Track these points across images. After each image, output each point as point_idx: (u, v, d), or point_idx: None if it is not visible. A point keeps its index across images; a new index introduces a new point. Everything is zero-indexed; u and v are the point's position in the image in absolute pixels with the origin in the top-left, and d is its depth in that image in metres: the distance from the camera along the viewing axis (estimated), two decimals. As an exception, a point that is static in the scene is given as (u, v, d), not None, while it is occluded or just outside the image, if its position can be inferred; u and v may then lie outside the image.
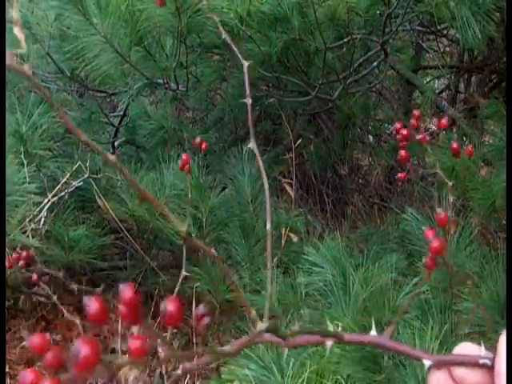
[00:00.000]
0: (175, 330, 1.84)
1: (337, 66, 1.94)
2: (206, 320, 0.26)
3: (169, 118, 2.06)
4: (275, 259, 1.59)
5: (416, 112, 0.80)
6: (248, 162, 1.81)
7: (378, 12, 1.68)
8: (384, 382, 1.04)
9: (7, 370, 1.94)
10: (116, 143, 2.31)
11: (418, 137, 0.75)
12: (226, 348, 0.26)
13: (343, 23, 1.57)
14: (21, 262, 0.89)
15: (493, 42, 2.13)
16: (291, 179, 2.10)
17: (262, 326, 0.26)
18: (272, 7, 1.46)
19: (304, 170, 2.74)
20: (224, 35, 0.63)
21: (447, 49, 3.05)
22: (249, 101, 0.50)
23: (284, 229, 1.60)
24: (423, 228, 1.30)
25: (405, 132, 0.80)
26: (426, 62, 3.02)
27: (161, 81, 1.73)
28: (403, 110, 2.75)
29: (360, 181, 3.02)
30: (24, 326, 2.19)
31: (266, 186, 0.44)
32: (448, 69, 2.77)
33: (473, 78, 2.81)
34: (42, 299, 2.15)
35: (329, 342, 0.27)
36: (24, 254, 0.91)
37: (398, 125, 0.82)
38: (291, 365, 0.93)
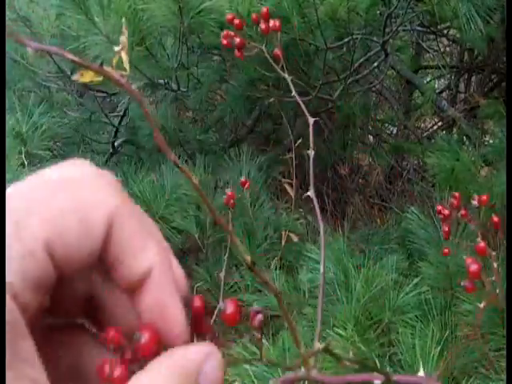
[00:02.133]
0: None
1: (337, 66, 1.94)
2: (260, 317, 0.26)
3: (169, 119, 2.06)
4: (275, 259, 1.60)
5: (456, 194, 0.80)
6: (247, 164, 1.82)
7: (378, 12, 1.68)
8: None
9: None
10: (116, 143, 2.31)
11: (460, 213, 0.76)
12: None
13: (344, 23, 1.57)
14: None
15: (493, 41, 2.14)
16: (291, 179, 2.10)
17: (318, 345, 0.27)
18: (272, 7, 1.46)
19: (304, 170, 2.74)
20: (286, 77, 0.63)
21: (447, 49, 3.05)
22: (311, 153, 0.51)
23: (284, 231, 1.60)
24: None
25: (446, 212, 0.81)
26: (426, 61, 3.03)
27: (161, 81, 1.73)
28: (403, 110, 2.75)
29: (360, 181, 3.02)
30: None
31: (322, 231, 0.43)
32: (448, 69, 2.77)
33: (473, 78, 2.81)
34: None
35: (377, 381, 0.27)
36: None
37: (439, 207, 0.82)
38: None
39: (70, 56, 0.23)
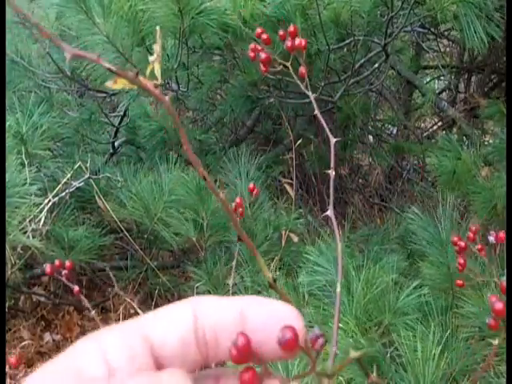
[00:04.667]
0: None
1: (338, 67, 1.94)
2: (322, 341, 0.27)
3: (169, 119, 2.06)
4: (275, 260, 1.59)
5: (474, 226, 0.80)
6: (247, 164, 1.81)
7: (379, 13, 1.68)
8: None
9: (7, 370, 1.94)
10: (116, 143, 2.31)
11: (476, 247, 0.76)
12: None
13: (346, 25, 1.57)
14: (64, 272, 0.89)
15: (493, 41, 2.13)
16: (291, 179, 2.10)
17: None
18: (275, 9, 1.46)
19: (304, 170, 2.74)
20: (310, 95, 0.64)
21: (447, 49, 3.05)
22: (332, 173, 0.51)
23: (284, 231, 1.60)
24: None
25: (462, 244, 0.80)
26: (426, 62, 3.03)
27: (162, 81, 1.73)
28: (403, 110, 2.75)
29: (360, 181, 3.02)
30: (24, 326, 2.19)
31: (340, 249, 0.43)
32: (448, 69, 2.77)
33: (473, 78, 2.81)
34: (42, 299, 2.15)
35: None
36: (67, 264, 0.91)
37: (455, 238, 0.82)
38: (296, 366, 0.93)
39: (107, 65, 0.23)
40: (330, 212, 0.47)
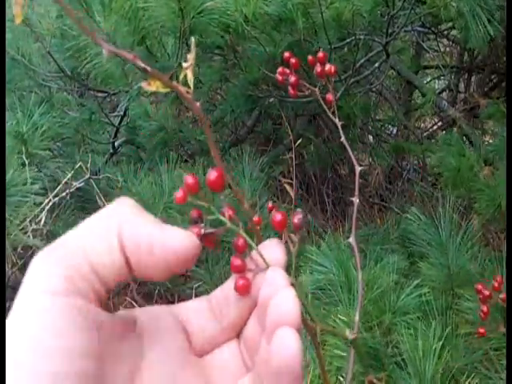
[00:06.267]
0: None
1: (338, 67, 1.94)
2: (300, 216, 0.32)
3: (169, 119, 2.06)
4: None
5: (499, 277, 0.80)
6: (248, 164, 1.81)
7: (379, 13, 1.68)
8: (386, 379, 1.04)
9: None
10: (116, 143, 2.31)
11: (501, 296, 0.76)
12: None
13: (348, 24, 1.57)
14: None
15: (493, 41, 2.13)
16: (291, 179, 2.10)
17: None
18: (277, 8, 1.46)
19: (304, 170, 2.74)
20: (337, 122, 0.65)
21: (447, 49, 3.05)
22: (356, 200, 0.52)
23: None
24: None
25: (487, 293, 0.80)
26: (426, 62, 3.03)
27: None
28: (403, 110, 2.75)
29: (360, 181, 3.02)
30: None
31: (360, 276, 0.44)
32: (448, 69, 2.77)
33: (473, 78, 2.81)
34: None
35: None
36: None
37: (479, 286, 0.82)
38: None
39: (142, 64, 0.24)
40: (352, 239, 0.47)
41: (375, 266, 1.23)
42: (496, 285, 0.77)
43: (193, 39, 0.28)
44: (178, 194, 0.28)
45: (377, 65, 1.97)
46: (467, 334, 1.09)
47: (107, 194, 1.83)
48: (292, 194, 2.13)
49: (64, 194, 1.72)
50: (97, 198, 1.75)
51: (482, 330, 0.86)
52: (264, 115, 2.58)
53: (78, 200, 1.87)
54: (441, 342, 0.95)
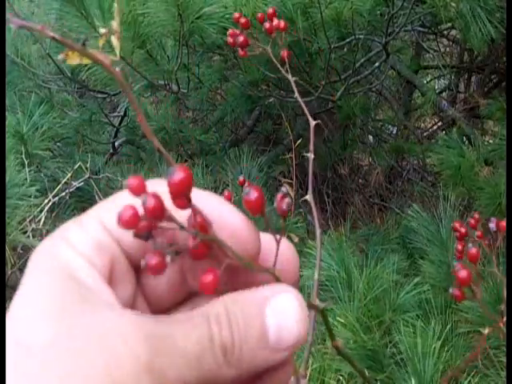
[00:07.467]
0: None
1: (338, 67, 1.94)
2: (288, 200, 0.26)
3: (169, 119, 2.06)
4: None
5: (476, 214, 0.78)
6: (247, 164, 1.81)
7: (379, 12, 1.68)
8: (385, 380, 1.05)
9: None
10: (116, 143, 2.31)
11: (477, 234, 0.75)
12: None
13: (347, 24, 1.57)
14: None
15: (493, 42, 2.14)
16: (291, 179, 2.10)
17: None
18: (277, 8, 1.46)
19: (304, 170, 2.74)
20: (290, 78, 0.63)
21: (447, 49, 3.06)
22: (311, 156, 0.50)
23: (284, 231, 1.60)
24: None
25: (463, 230, 0.78)
26: (426, 62, 3.03)
27: (162, 82, 1.73)
28: (403, 110, 2.75)
29: (360, 181, 3.02)
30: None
31: (319, 235, 0.42)
32: (448, 69, 2.77)
33: (473, 78, 2.81)
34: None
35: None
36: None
37: (456, 224, 0.80)
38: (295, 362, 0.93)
39: (51, 34, 0.21)
40: (308, 196, 0.46)
41: (376, 266, 1.23)
42: (473, 222, 0.76)
43: (116, 5, 0.26)
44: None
45: (377, 65, 1.97)
46: (466, 332, 1.09)
47: (107, 193, 1.83)
48: (292, 193, 2.13)
49: (64, 193, 1.72)
50: (96, 197, 1.75)
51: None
52: (264, 115, 2.58)
53: (77, 200, 1.87)
54: (440, 342, 0.95)
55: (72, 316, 0.22)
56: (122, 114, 2.26)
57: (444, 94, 2.99)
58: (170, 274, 0.27)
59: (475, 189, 1.59)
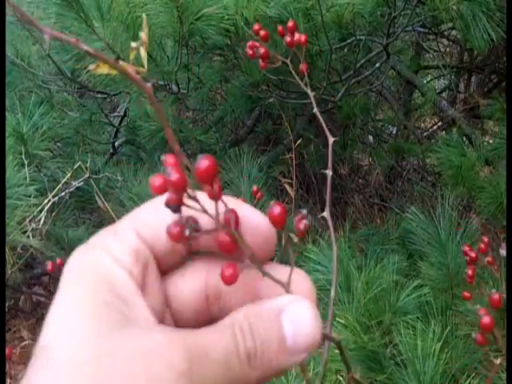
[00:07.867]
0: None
1: (339, 68, 1.94)
2: (306, 222, 0.28)
3: (169, 119, 2.06)
4: (274, 260, 1.59)
5: (485, 239, 0.78)
6: (247, 164, 1.81)
7: (380, 13, 1.68)
8: (385, 381, 1.05)
9: (7, 369, 1.94)
10: (116, 143, 2.31)
11: (486, 259, 0.75)
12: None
13: (348, 26, 1.57)
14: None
15: (493, 41, 2.13)
16: (291, 179, 2.10)
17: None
18: (278, 11, 1.46)
19: (304, 170, 2.74)
20: (309, 93, 0.63)
21: (447, 49, 3.05)
22: (329, 173, 0.51)
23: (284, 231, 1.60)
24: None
25: (473, 255, 0.78)
26: (426, 62, 3.03)
27: (162, 82, 1.73)
28: (403, 110, 2.75)
29: (360, 181, 3.02)
30: (24, 326, 2.19)
31: (335, 251, 0.42)
32: (448, 69, 2.77)
33: (473, 78, 2.81)
34: (42, 299, 2.15)
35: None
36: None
37: (466, 248, 0.79)
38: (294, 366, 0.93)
39: (85, 47, 0.23)
40: (326, 213, 0.46)
41: (375, 266, 1.23)
42: (483, 246, 0.76)
43: (144, 16, 0.27)
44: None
45: (377, 65, 1.97)
46: (467, 335, 1.09)
47: (107, 193, 1.83)
48: (292, 193, 2.13)
49: (63, 193, 1.72)
50: (96, 197, 1.75)
51: (467, 295, 0.84)
52: (264, 115, 2.58)
53: (77, 200, 1.88)
54: (440, 343, 0.95)
55: (113, 335, 0.24)
56: (121, 114, 2.26)
57: (444, 93, 2.99)
58: (195, 285, 0.28)
59: (476, 188, 1.59)
